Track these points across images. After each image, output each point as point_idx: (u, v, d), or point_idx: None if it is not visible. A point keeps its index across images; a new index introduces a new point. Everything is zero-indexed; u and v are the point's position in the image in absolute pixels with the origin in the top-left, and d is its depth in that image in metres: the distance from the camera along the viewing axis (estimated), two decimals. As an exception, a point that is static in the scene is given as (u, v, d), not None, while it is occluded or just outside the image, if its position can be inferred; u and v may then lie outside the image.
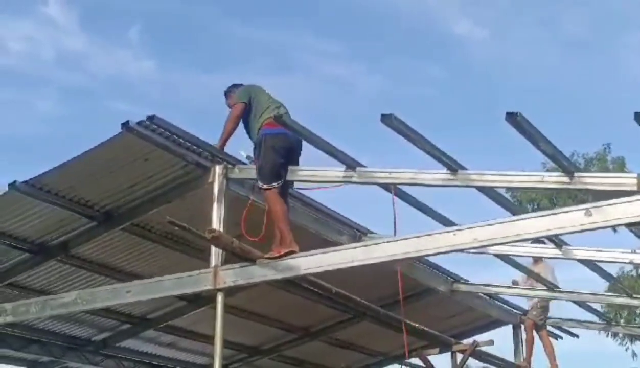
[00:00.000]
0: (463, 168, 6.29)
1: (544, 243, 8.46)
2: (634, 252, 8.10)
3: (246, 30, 40.30)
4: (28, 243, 8.45)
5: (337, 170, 6.91)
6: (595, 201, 5.51)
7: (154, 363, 12.60)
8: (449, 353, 11.36)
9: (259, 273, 6.92)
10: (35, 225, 8.12)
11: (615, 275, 13.91)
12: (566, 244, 8.25)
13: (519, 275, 11.28)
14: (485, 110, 30.51)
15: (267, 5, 38.45)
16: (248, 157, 7.58)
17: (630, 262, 9.05)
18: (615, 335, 19.69)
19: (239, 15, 40.91)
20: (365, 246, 6.78)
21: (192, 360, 12.89)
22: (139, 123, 6.70)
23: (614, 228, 7.08)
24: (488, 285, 11.00)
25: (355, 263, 6.46)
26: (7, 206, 7.73)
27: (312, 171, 7.20)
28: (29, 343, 10.96)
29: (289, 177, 7.19)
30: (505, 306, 12.00)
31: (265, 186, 7.00)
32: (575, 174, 5.88)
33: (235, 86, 7.80)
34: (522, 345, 12.08)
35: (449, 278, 10.62)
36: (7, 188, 7.39)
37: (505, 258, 9.12)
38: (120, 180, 7.58)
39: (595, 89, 33.81)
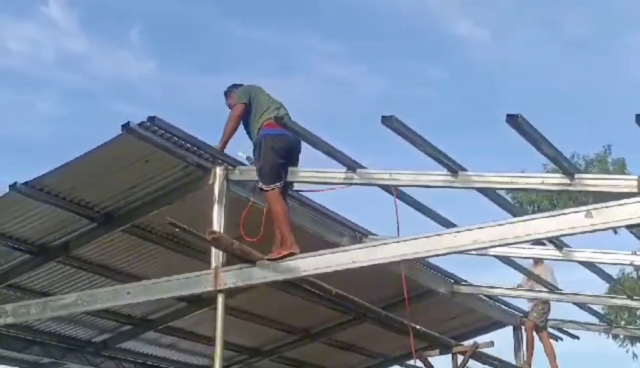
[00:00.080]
0: (463, 169, 6.29)
1: (545, 244, 8.46)
2: (634, 253, 8.11)
3: (247, 31, 40.36)
4: (28, 244, 8.45)
5: (337, 172, 6.91)
6: (595, 203, 5.51)
7: (155, 364, 12.59)
8: (450, 355, 11.36)
9: (260, 274, 6.92)
10: (35, 226, 8.12)
11: (615, 277, 13.92)
12: (567, 246, 8.25)
13: (521, 278, 11.28)
14: (486, 110, 30.49)
15: (268, 6, 38.49)
16: (248, 158, 7.58)
17: (631, 264, 9.04)
18: (615, 336, 19.70)
19: (239, 16, 40.96)
20: (366, 247, 6.79)
21: (192, 362, 12.89)
22: (139, 124, 6.70)
23: (615, 230, 7.06)
24: (489, 287, 10.99)
25: (356, 265, 6.46)
26: (8, 207, 7.73)
27: (312, 172, 7.20)
28: (30, 344, 10.95)
29: (289, 178, 7.19)
30: (505, 308, 11.99)
31: (266, 187, 7.00)
32: (576, 176, 5.88)
33: (235, 86, 7.80)
34: (523, 347, 12.08)
35: (449, 279, 10.62)
36: (7, 190, 7.39)
37: (506, 259, 9.12)
38: (121, 181, 7.59)
39: (595, 90, 33.84)
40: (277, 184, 7.00)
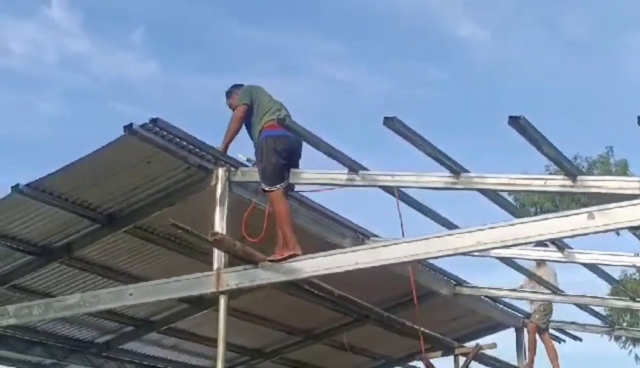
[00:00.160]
0: (465, 171, 6.28)
1: (547, 246, 8.45)
2: (637, 255, 8.10)
3: (247, 32, 40.37)
4: (31, 245, 8.46)
5: (339, 173, 6.91)
6: (598, 204, 5.51)
7: (157, 365, 12.59)
8: (452, 357, 11.35)
9: (262, 276, 6.92)
10: (38, 227, 8.13)
11: (618, 279, 13.88)
12: (569, 247, 8.24)
13: (523, 280, 11.28)
14: (487, 111, 30.47)
15: (268, 6, 38.49)
16: (248, 160, 7.59)
17: (633, 266, 9.02)
18: (618, 338, 19.69)
19: (240, 16, 40.94)
20: (368, 249, 6.81)
21: (194, 363, 12.89)
22: (142, 126, 6.71)
23: (617, 231, 7.06)
24: (491, 288, 10.98)
25: (358, 266, 6.46)
26: (10, 208, 7.75)
27: (314, 174, 7.20)
28: (32, 345, 10.96)
29: (291, 180, 7.20)
30: (507, 309, 11.98)
31: (269, 188, 7.01)
32: (578, 178, 5.88)
33: (236, 86, 7.81)
34: (525, 348, 12.06)
35: (451, 281, 10.61)
36: (10, 191, 7.41)
37: (508, 261, 9.12)
38: (123, 182, 7.60)
39: (597, 90, 33.82)
40: (280, 184, 7.01)
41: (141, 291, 7.63)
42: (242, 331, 11.21)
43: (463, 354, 11.28)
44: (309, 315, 11.44)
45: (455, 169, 6.27)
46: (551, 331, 12.23)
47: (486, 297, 11.30)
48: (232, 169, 7.42)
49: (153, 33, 41.63)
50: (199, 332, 11.52)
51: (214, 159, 7.37)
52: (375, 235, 8.93)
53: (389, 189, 7.08)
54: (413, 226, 7.10)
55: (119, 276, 9.28)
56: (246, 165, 7.52)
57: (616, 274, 13.96)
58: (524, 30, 35.96)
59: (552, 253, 8.54)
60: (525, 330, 12.10)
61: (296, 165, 7.28)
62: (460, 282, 10.66)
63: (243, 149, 7.65)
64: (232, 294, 7.16)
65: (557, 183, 6.06)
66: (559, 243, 8.08)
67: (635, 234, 7.04)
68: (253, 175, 7.32)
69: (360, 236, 8.86)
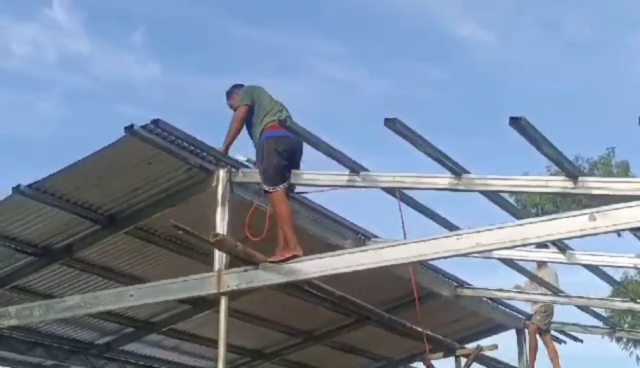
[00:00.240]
0: (467, 172, 6.28)
1: (548, 247, 8.45)
2: (638, 256, 8.09)
3: (248, 32, 40.40)
4: (32, 246, 8.47)
5: (340, 174, 6.91)
6: (599, 206, 5.51)
7: (158, 367, 12.58)
8: (453, 358, 11.35)
9: (263, 277, 6.92)
10: (39, 228, 8.13)
11: (619, 280, 13.88)
12: (570, 249, 8.23)
13: (521, 281, 11.27)
14: (488, 111, 30.53)
15: (269, 7, 38.52)
16: (248, 160, 7.59)
17: (635, 267, 9.03)
18: (619, 339, 19.68)
19: (242, 17, 41.00)
20: (369, 250, 6.80)
21: (195, 364, 12.88)
22: (143, 127, 6.71)
23: (618, 233, 7.06)
24: (492, 290, 10.98)
25: (359, 268, 6.46)
26: (11, 209, 7.75)
27: (315, 175, 7.20)
28: (33, 346, 10.95)
29: (292, 181, 7.20)
30: (509, 310, 11.98)
31: (270, 188, 7.01)
32: (579, 179, 5.87)
33: (236, 86, 7.81)
34: (526, 350, 12.06)
35: (452, 282, 10.61)
36: (11, 192, 7.41)
37: (509, 262, 9.11)
38: (124, 183, 7.60)
39: (598, 91, 33.82)
40: (282, 185, 7.02)
41: (142, 292, 7.63)
42: (243, 332, 11.20)
43: (464, 355, 11.27)
44: (310, 316, 11.43)
45: (456, 170, 6.26)
46: (552, 332, 12.22)
47: (487, 298, 11.30)
48: (233, 170, 7.42)
49: (154, 33, 41.69)
50: (200, 333, 11.52)
51: (215, 160, 7.38)
52: (376, 236, 8.92)
53: (389, 190, 7.07)
54: (414, 227, 7.11)
55: (120, 277, 9.28)
56: (247, 167, 7.52)
57: (617, 276, 14.03)
58: (524, 31, 36.02)
59: (553, 255, 8.53)
60: (526, 331, 12.10)
61: (297, 166, 7.28)
62: (461, 283, 10.65)
63: (243, 149, 7.66)
64: (233, 295, 7.16)
65: (558, 184, 6.05)
66: (560, 245, 8.08)
67: (636, 235, 7.03)
68: (254, 176, 7.32)
69: (361, 237, 8.86)
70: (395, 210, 7.05)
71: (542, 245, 8.21)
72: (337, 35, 39.36)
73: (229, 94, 7.84)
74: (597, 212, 5.43)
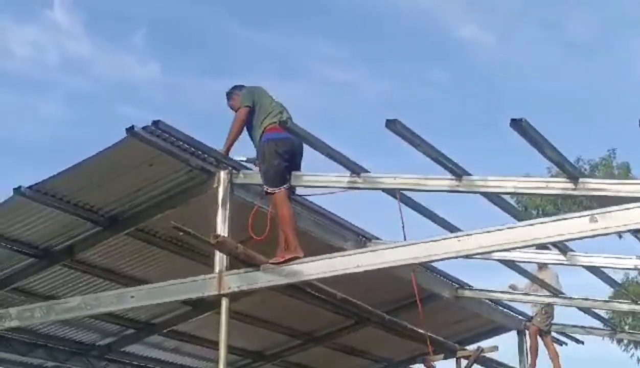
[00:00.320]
0: (467, 173, 6.29)
1: (549, 249, 8.45)
2: (639, 258, 8.09)
3: (250, 34, 40.37)
4: (33, 248, 8.47)
5: (341, 176, 6.91)
6: (600, 207, 5.51)
7: (158, 368, 12.60)
8: (454, 360, 11.34)
9: (264, 278, 6.92)
10: (40, 229, 8.14)
11: (620, 282, 13.89)
12: (571, 250, 8.24)
13: (518, 281, 11.26)
14: (489, 113, 30.52)
15: (270, 9, 38.53)
16: (248, 160, 7.60)
17: (636, 268, 9.02)
18: (620, 341, 19.68)
19: (242, 19, 40.95)
20: (370, 252, 6.79)
21: (196, 365, 12.87)
22: (144, 128, 6.72)
23: (619, 234, 7.07)
24: (492, 291, 10.98)
25: (360, 269, 6.46)
26: (12, 211, 7.76)
27: (316, 177, 7.20)
28: (34, 347, 10.95)
29: (293, 183, 7.20)
30: (509, 312, 11.98)
31: (272, 190, 7.01)
32: (580, 180, 5.88)
33: (237, 87, 7.81)
34: (527, 351, 12.05)
35: (453, 283, 10.61)
36: (12, 193, 7.42)
37: (510, 264, 9.11)
38: (125, 185, 7.60)
39: (599, 92, 33.75)
40: (283, 186, 7.02)
41: (143, 294, 7.63)
42: (244, 334, 11.20)
43: (465, 357, 11.27)
44: (311, 317, 11.43)
45: (457, 172, 6.27)
46: (553, 334, 12.21)
47: (488, 299, 11.29)
48: (234, 171, 7.42)
49: (154, 34, 41.69)
50: (201, 335, 11.52)
51: (216, 162, 7.38)
52: (377, 238, 8.93)
53: (390, 192, 7.08)
54: (415, 228, 7.11)
55: (121, 279, 9.28)
56: (247, 168, 7.52)
57: (618, 277, 13.99)
58: (525, 31, 35.98)
59: (554, 256, 8.54)
60: (527, 333, 12.09)
61: (298, 168, 7.28)
62: (462, 285, 10.65)
63: (244, 150, 7.67)
64: (234, 297, 7.17)
65: (559, 186, 6.06)
66: (561, 246, 8.08)
67: (637, 237, 7.03)
68: (255, 177, 7.32)
69: (362, 239, 8.87)
70: (396, 211, 7.05)
71: (542, 247, 8.21)
72: (338, 36, 39.36)
73: (230, 95, 7.84)
74: (598, 213, 5.43)
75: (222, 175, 7.35)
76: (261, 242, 7.16)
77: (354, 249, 7.70)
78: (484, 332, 12.81)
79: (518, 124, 5.37)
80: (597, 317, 11.93)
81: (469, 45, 37.25)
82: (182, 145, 7.10)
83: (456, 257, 6.23)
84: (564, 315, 12.32)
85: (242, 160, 7.62)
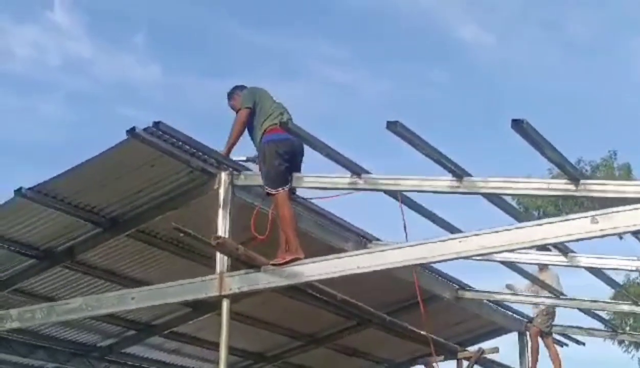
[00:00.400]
0: (468, 174, 6.28)
1: (550, 250, 8.44)
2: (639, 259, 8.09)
3: (250, 35, 40.37)
4: (34, 249, 8.47)
5: (342, 177, 6.91)
6: (601, 208, 5.51)
7: (159, 369, 12.59)
8: (454, 361, 11.34)
9: (265, 279, 6.92)
10: (41, 231, 8.14)
11: (621, 283, 13.88)
12: (572, 251, 8.23)
13: (517, 282, 11.25)
14: (490, 114, 30.53)
15: (271, 10, 38.54)
16: (248, 159, 7.59)
17: (636, 270, 9.02)
18: (621, 342, 19.68)
19: (243, 20, 41.00)
20: (371, 253, 6.79)
21: (197, 367, 12.87)
22: (145, 129, 6.72)
23: (620, 235, 7.06)
24: (493, 292, 10.98)
25: (361, 270, 6.46)
26: (13, 212, 7.76)
27: (317, 178, 7.20)
28: (35, 349, 10.95)
29: (294, 184, 7.20)
30: (510, 313, 11.97)
31: (273, 191, 7.01)
32: (581, 181, 5.87)
33: (237, 88, 7.81)
34: (528, 353, 12.04)
35: (454, 285, 10.60)
36: (13, 195, 7.42)
37: (511, 265, 9.10)
38: (126, 186, 7.60)
39: (601, 94, 33.74)
40: (285, 187, 7.02)
41: (143, 295, 7.63)
42: (245, 335, 11.20)
43: (465, 358, 11.27)
44: (312, 319, 11.43)
45: (458, 173, 6.26)
46: (554, 335, 12.20)
47: (489, 301, 11.29)
48: (235, 172, 7.42)
49: (155, 36, 41.71)
50: (201, 336, 11.52)
51: (217, 163, 7.38)
52: (378, 239, 8.92)
53: (391, 193, 7.07)
54: (415, 230, 7.11)
55: (122, 280, 9.28)
56: (248, 169, 7.52)
57: (619, 278, 13.98)
58: (526, 32, 35.99)
59: (555, 257, 8.53)
60: (528, 334, 12.08)
61: (298, 169, 7.28)
62: (462, 286, 10.65)
63: (244, 149, 7.68)
64: (235, 298, 7.17)
65: (560, 187, 6.05)
66: (562, 247, 8.07)
67: (638, 238, 7.02)
68: (256, 179, 7.32)
69: (363, 240, 8.86)
70: (397, 212, 7.05)
71: (543, 248, 8.21)
72: (338, 36, 39.39)
73: (230, 95, 7.85)
74: (598, 214, 5.43)
75: (223, 176, 7.35)
76: (262, 243, 7.16)
77: (355, 250, 7.70)
78: (485, 333, 12.80)
79: (519, 125, 5.37)
80: (598, 318, 11.92)
81: (469, 46, 37.30)
82: (183, 147, 7.10)
83: (457, 258, 6.22)
84: (564, 316, 12.32)
85: (242, 160, 7.62)
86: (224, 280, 6.98)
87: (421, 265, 8.07)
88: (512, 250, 7.04)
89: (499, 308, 11.73)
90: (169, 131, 6.86)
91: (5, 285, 8.96)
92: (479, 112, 33.59)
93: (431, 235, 6.53)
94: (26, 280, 8.96)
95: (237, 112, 7.55)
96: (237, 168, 7.45)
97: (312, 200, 7.96)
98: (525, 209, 20.70)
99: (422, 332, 9.51)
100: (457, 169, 6.24)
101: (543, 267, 11.06)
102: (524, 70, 35.92)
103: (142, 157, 7.13)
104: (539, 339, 11.93)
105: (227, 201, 7.25)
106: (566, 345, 12.74)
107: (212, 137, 7.45)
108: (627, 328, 19.02)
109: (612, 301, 12.64)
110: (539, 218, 15.46)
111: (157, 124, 6.73)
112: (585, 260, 8.28)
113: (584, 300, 10.58)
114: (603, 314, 12.62)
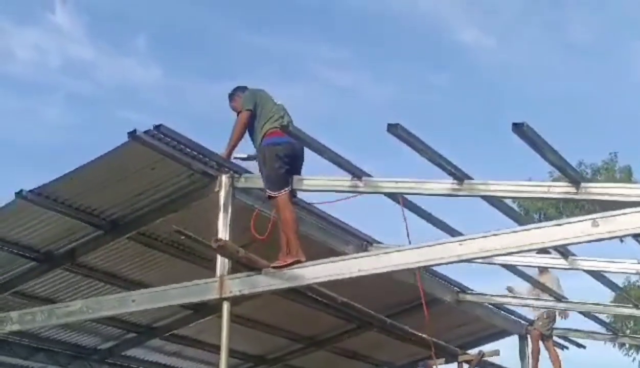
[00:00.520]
0: (469, 177, 6.28)
1: (550, 253, 8.44)
2: (640, 262, 8.09)
3: (251, 37, 40.38)
4: (34, 251, 8.47)
5: (343, 180, 6.91)
6: (602, 211, 5.51)
7: (160, 372, 12.59)
8: (455, 364, 11.33)
9: (265, 282, 6.92)
10: (41, 233, 8.14)
11: (621, 286, 13.86)
12: (572, 254, 8.23)
13: (518, 285, 11.24)
14: (491, 116, 30.54)
15: (271, 12, 38.54)
16: (249, 156, 7.59)
17: (637, 273, 9.02)
18: (621, 345, 19.66)
19: (244, 22, 41.03)
20: (371, 256, 6.79)
21: (197, 369, 12.89)
22: (146, 132, 6.72)
23: (621, 238, 7.06)
24: (494, 295, 10.97)
25: (361, 273, 6.46)
26: (14, 214, 7.76)
27: (318, 180, 7.20)
28: (35, 351, 10.95)
29: (294, 186, 7.20)
30: (511, 316, 11.96)
31: (274, 193, 7.01)
32: (582, 184, 5.87)
33: (239, 89, 7.81)
34: (528, 356, 12.04)
35: (454, 288, 10.60)
36: (13, 197, 7.42)
37: (512, 268, 9.10)
38: (127, 188, 7.61)
39: (602, 96, 33.73)
40: (285, 189, 7.02)
41: (144, 297, 7.63)
42: (245, 337, 11.20)
43: (466, 361, 11.26)
44: (312, 321, 11.42)
45: (459, 176, 6.26)
46: (555, 338, 12.19)
47: (489, 304, 11.28)
48: (236, 175, 7.42)
49: (156, 38, 41.72)
50: (202, 339, 11.52)
51: (218, 166, 7.38)
52: (378, 242, 8.92)
53: (392, 196, 7.07)
54: (416, 232, 7.10)
55: (122, 282, 9.28)
56: (249, 172, 7.53)
57: (620, 281, 13.98)
58: (526, 34, 35.96)
59: (555, 260, 8.53)
60: (528, 337, 12.07)
61: (299, 171, 7.29)
62: (463, 289, 10.64)
63: (244, 149, 7.68)
64: (235, 301, 7.16)
65: (560, 190, 6.06)
66: (563, 250, 8.07)
67: (638, 241, 7.02)
68: (256, 181, 7.33)
69: (364, 243, 8.86)
70: (397, 215, 7.05)
71: (544, 251, 8.21)
72: (339, 39, 39.39)
73: (232, 96, 7.85)
74: (599, 217, 5.43)
75: (224, 179, 7.35)
76: (263, 246, 7.16)
77: (356, 253, 7.71)
78: (486, 336, 12.80)
79: (520, 128, 5.37)
80: (599, 321, 11.91)
81: (469, 48, 37.29)
82: (184, 149, 7.10)
83: (458, 261, 6.22)
84: (565, 319, 12.30)
85: (243, 158, 7.62)
86: (225, 283, 6.97)
87: (422, 268, 8.07)
88: (512, 253, 7.03)
89: (500, 311, 11.73)
90: (169, 134, 6.86)
91: (6, 287, 8.96)
92: (480, 115, 33.62)
93: (431, 238, 6.53)
94: (27, 282, 8.96)
95: (238, 114, 7.56)
96: (237, 170, 7.46)
97: (316, 205, 7.96)
98: (526, 212, 20.70)
99: (422, 335, 9.52)
100: (457, 172, 6.24)
101: (543, 270, 11.05)
102: (525, 73, 35.94)
103: (143, 160, 7.13)
104: (540, 342, 11.92)
105: (227, 204, 7.26)
106: (567, 348, 12.73)
107: (213, 139, 7.46)
108: (628, 331, 19.00)
109: (613, 304, 12.62)
110: (540, 221, 15.47)
111: (158, 126, 6.73)
112: (585, 263, 8.27)
113: (585, 303, 10.57)
114: (603, 317, 12.63)
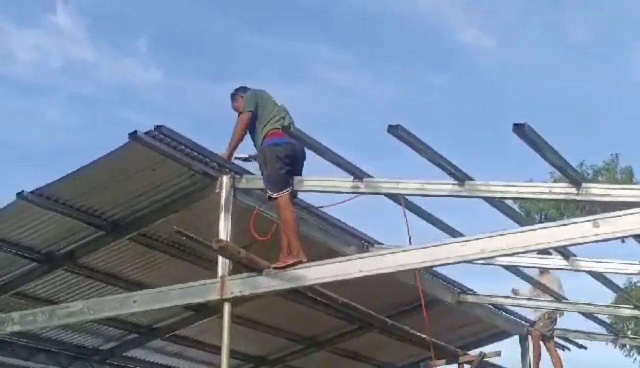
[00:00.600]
0: (470, 178, 6.28)
1: (551, 254, 8.44)
2: (641, 263, 8.08)
3: (251, 38, 40.41)
4: (35, 252, 8.47)
5: (344, 180, 6.91)
6: (603, 212, 5.50)
7: (161, 372, 12.59)
8: (456, 365, 11.33)
9: (266, 283, 6.92)
10: (42, 234, 8.14)
11: (622, 286, 13.86)
12: (573, 255, 8.22)
13: (520, 287, 11.25)
14: (492, 117, 30.54)
15: (272, 13, 38.58)
16: (250, 156, 7.59)
17: (638, 273, 9.00)
18: (623, 346, 19.66)
19: (244, 23, 41.06)
20: (372, 257, 6.79)
21: (198, 370, 12.89)
22: (146, 133, 6.72)
23: (622, 239, 7.06)
24: (495, 296, 10.96)
25: (362, 274, 6.45)
26: (15, 215, 7.76)
27: (318, 181, 7.20)
28: (36, 352, 10.95)
29: (295, 187, 7.20)
30: (512, 317, 11.96)
31: (275, 194, 7.01)
32: (583, 185, 5.87)
33: (241, 89, 7.81)
34: (529, 357, 12.03)
35: (455, 288, 10.60)
36: (14, 198, 7.42)
37: (513, 269, 9.10)
38: (128, 189, 7.61)
39: (603, 97, 33.74)
40: (286, 190, 7.02)
41: (145, 298, 7.63)
42: (246, 338, 11.20)
43: (467, 362, 11.25)
44: (313, 322, 11.43)
45: (460, 177, 6.26)
46: (556, 339, 12.19)
47: (490, 304, 11.28)
48: (237, 176, 7.42)
49: (157, 39, 41.76)
50: (203, 339, 11.52)
51: (219, 166, 7.38)
52: (379, 243, 8.92)
53: (393, 197, 7.07)
54: (417, 233, 7.10)
55: (123, 283, 9.28)
56: (250, 173, 7.52)
57: (621, 282, 13.97)
58: (527, 34, 35.97)
59: (556, 261, 8.52)
60: (529, 338, 12.07)
61: (300, 172, 7.29)
62: (464, 290, 10.64)
63: (245, 151, 7.68)
64: (236, 301, 7.16)
65: (561, 191, 6.05)
66: (564, 251, 8.06)
67: (639, 242, 7.02)
68: (257, 182, 7.32)
69: (365, 243, 8.86)
70: (398, 216, 7.05)
71: (545, 252, 8.20)
72: (339, 40, 39.42)
73: (233, 97, 7.85)
74: (600, 218, 5.43)
75: (225, 179, 7.35)
76: (264, 247, 7.16)
77: (357, 254, 7.71)
78: (487, 337, 12.79)
79: (520, 129, 5.37)
80: (600, 322, 11.91)
81: (470, 48, 37.32)
82: (185, 150, 7.10)
83: (459, 262, 6.22)
84: (566, 320, 12.31)
85: (244, 157, 7.62)
86: (226, 284, 6.97)
87: (423, 269, 8.07)
88: (513, 254, 7.03)
89: (501, 312, 11.72)
90: (170, 134, 6.86)
91: (7, 288, 8.96)
92: (480, 115, 33.64)
93: (432, 239, 6.53)
94: (28, 283, 8.96)
95: (239, 115, 7.56)
96: (238, 171, 7.46)
97: (311, 202, 7.97)
98: (527, 213, 20.71)
99: (423, 336, 9.52)
100: (458, 173, 6.24)
101: (544, 270, 11.05)
102: (525, 73, 35.96)
103: (143, 161, 7.13)
104: (541, 343, 11.92)
105: (228, 204, 7.26)
106: (568, 349, 12.73)
107: (214, 140, 7.46)
108: (629, 332, 19.01)
109: (614, 305, 12.62)
110: (541, 221, 15.47)
111: (158, 127, 6.73)
112: (586, 264, 8.27)
113: (586, 304, 10.57)
114: (604, 318, 12.62)
